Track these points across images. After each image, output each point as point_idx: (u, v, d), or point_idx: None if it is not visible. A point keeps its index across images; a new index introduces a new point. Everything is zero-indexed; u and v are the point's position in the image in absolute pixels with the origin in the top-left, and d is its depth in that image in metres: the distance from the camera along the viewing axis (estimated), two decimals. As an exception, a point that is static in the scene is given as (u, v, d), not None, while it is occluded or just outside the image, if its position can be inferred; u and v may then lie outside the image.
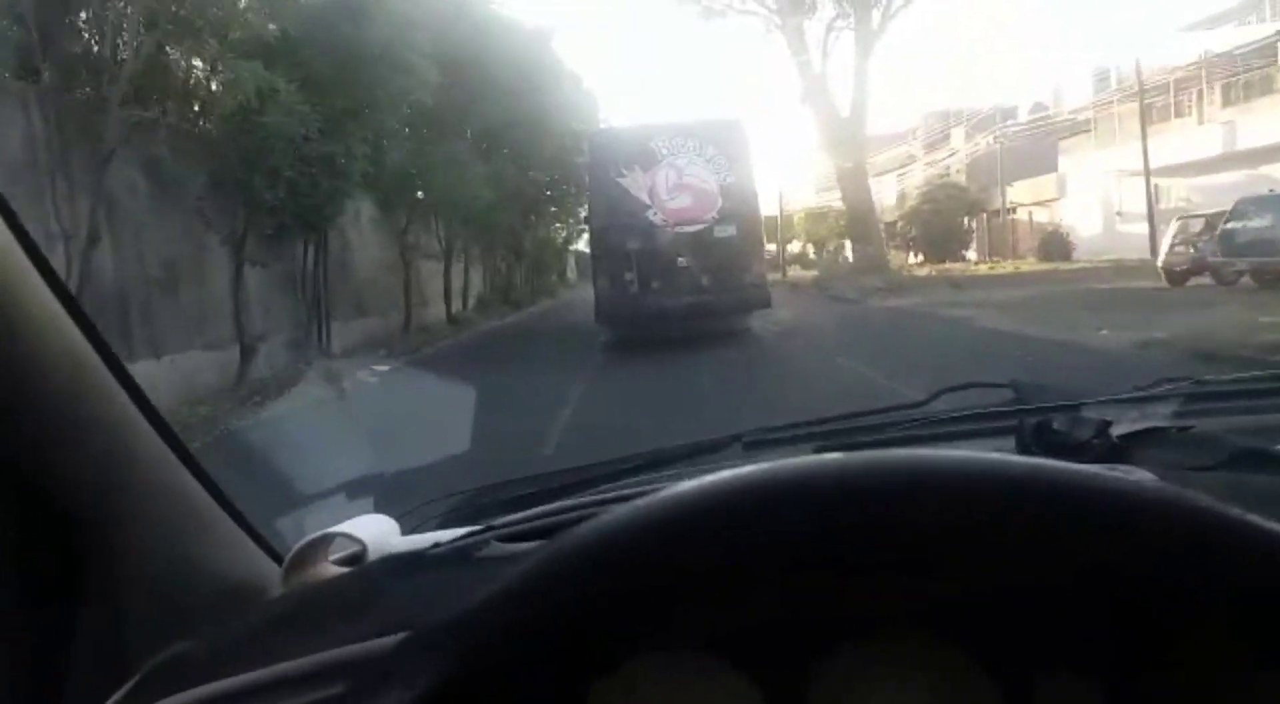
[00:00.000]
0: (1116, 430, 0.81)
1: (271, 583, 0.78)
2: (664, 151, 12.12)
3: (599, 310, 12.25)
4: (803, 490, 0.40)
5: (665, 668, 0.50)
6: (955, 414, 1.10)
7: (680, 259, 11.80)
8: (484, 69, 17.55)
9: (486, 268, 25.68)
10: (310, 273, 11.96)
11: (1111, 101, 27.44)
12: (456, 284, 20.58)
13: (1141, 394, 1.06)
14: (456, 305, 20.45)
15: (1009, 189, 35.93)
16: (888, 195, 41.60)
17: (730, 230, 11.99)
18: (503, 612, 0.39)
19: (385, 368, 11.26)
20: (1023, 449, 0.85)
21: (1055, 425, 0.86)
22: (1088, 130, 30.26)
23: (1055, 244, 26.42)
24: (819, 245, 49.99)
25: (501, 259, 26.79)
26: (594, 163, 12.64)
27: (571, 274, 45.56)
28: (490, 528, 0.78)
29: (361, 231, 15.19)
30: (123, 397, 0.69)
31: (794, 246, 49.28)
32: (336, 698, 0.44)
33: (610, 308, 12.08)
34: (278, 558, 0.80)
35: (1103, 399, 1.01)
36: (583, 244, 35.97)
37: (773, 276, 33.70)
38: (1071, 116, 30.90)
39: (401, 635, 0.46)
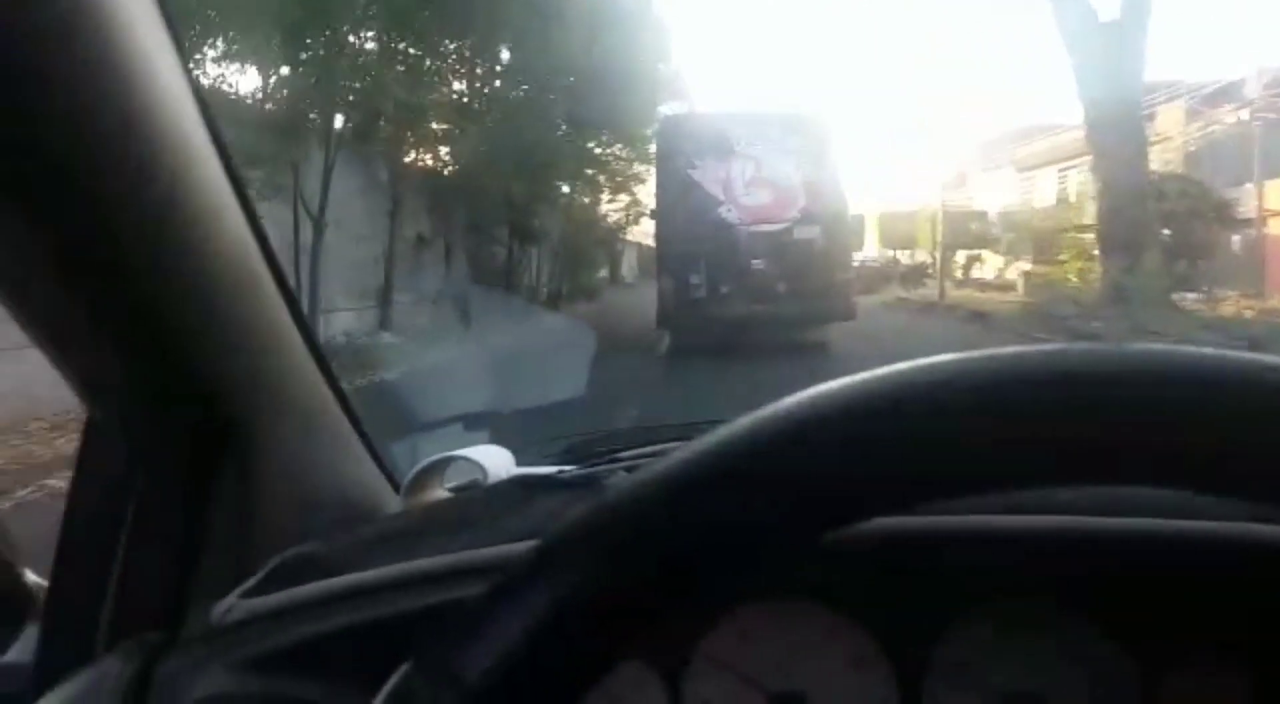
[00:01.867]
0: None
1: (389, 504, 0.80)
2: (741, 142, 11.09)
3: (661, 313, 11.05)
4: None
5: (779, 616, 0.50)
6: None
7: (754, 262, 10.72)
8: None
9: (470, 254, 15.93)
10: None
11: None
12: (353, 282, 10.80)
13: None
14: (346, 321, 10.61)
15: (1255, 191, 24.97)
16: (1042, 196, 30.73)
17: (812, 232, 10.86)
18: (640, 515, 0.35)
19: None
20: None
21: None
22: None
23: None
24: (950, 255, 39.27)
25: (501, 242, 16.91)
26: (663, 150, 11.64)
27: (630, 271, 35.35)
28: (615, 459, 0.79)
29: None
30: (279, 302, 0.68)
31: (903, 255, 37.76)
32: (473, 597, 0.41)
33: (673, 312, 10.87)
34: (393, 483, 0.82)
35: None
36: (641, 235, 25.97)
37: (918, 295, 22.81)
38: None
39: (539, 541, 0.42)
